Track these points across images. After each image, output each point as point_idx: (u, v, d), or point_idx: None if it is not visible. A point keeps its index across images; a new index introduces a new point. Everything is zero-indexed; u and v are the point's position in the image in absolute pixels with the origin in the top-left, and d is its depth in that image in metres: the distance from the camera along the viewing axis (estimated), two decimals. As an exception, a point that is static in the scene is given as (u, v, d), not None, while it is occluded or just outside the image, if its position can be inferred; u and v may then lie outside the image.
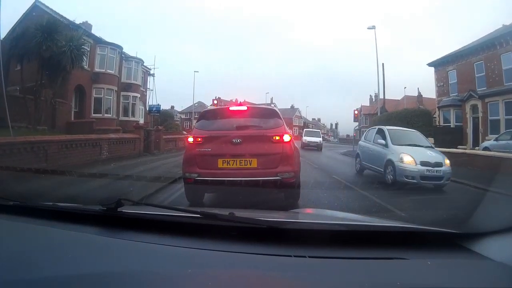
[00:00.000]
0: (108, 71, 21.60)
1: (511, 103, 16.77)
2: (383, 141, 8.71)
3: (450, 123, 21.26)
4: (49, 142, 8.93)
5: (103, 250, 1.24)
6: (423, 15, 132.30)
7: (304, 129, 32.00)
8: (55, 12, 18.60)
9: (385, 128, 9.59)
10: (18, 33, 14.67)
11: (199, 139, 4.81)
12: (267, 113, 5.44)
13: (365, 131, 11.14)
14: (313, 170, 11.11)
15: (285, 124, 5.08)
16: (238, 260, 1.16)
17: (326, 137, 32.98)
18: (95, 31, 22.42)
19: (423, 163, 7.39)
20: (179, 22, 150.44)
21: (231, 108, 5.30)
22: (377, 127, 10.50)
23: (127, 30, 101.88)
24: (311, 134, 26.53)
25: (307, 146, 24.06)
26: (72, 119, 18.84)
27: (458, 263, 1.19)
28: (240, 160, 4.60)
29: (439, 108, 22.67)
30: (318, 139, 24.90)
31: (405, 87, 67.30)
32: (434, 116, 23.37)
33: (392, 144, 8.40)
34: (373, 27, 24.45)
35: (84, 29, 18.63)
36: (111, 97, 21.90)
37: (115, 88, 22.32)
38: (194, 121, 23.88)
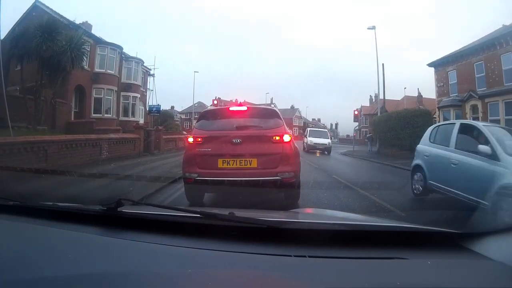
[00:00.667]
0: (108, 71, 21.60)
1: (511, 103, 16.77)
2: (487, 149, 4.79)
3: (450, 123, 21.24)
4: (49, 142, 8.93)
5: (103, 250, 1.24)
6: (423, 15, 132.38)
7: (308, 129, 25.32)
8: (55, 12, 18.61)
9: (481, 124, 5.74)
10: (18, 33, 14.65)
11: (199, 139, 4.81)
12: (267, 113, 5.44)
13: (433, 129, 6.88)
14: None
15: (285, 124, 5.09)
16: (238, 260, 1.16)
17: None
18: (95, 31, 22.48)
19: None
20: (179, 22, 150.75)
21: (231, 108, 5.30)
22: (457, 121, 6.51)
23: (127, 30, 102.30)
24: (317, 135, 21.59)
25: (312, 149, 19.90)
26: (72, 119, 18.84)
27: (458, 263, 1.19)
28: (240, 160, 4.61)
29: (439, 108, 22.66)
30: (326, 141, 20.50)
31: (405, 88, 67.60)
32: (434, 116, 23.35)
33: (508, 154, 4.58)
34: (373, 27, 24.49)
35: (84, 29, 18.62)
36: (111, 97, 21.90)
37: (115, 88, 22.32)
38: (194, 121, 23.84)
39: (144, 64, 27.57)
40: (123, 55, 23.72)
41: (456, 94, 21.15)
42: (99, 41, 21.49)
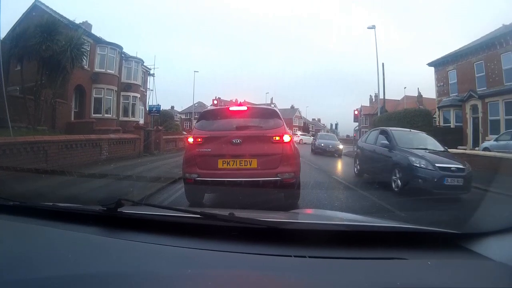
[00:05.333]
0: (108, 71, 21.59)
1: (511, 103, 16.76)
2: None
3: (450, 123, 21.26)
4: (49, 142, 8.92)
5: (103, 250, 1.24)
6: (423, 15, 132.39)
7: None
8: (55, 11, 18.61)
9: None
10: (18, 33, 14.65)
11: (199, 140, 4.80)
12: (267, 113, 5.43)
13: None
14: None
15: (285, 124, 5.08)
16: (238, 260, 1.16)
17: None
18: (95, 31, 22.48)
19: None
20: (179, 22, 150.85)
21: (231, 108, 5.28)
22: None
23: (127, 29, 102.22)
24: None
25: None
26: (72, 119, 18.84)
27: (458, 263, 1.19)
28: (240, 161, 4.60)
29: (439, 108, 22.67)
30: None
31: (405, 87, 67.68)
32: (434, 116, 23.36)
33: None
34: (373, 27, 24.46)
35: (84, 29, 18.64)
36: (111, 97, 21.89)
37: (115, 88, 22.31)
38: (194, 121, 23.82)
39: (144, 64, 27.57)
40: (123, 55, 23.71)
41: (456, 93, 21.16)
42: (99, 41, 21.48)
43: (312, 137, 28.23)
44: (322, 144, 19.87)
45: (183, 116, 63.11)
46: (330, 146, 19.62)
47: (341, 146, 20.17)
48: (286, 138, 4.72)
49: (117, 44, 22.45)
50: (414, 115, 18.62)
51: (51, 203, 1.70)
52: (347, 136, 58.58)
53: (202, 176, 4.63)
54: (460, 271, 1.12)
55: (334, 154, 19.19)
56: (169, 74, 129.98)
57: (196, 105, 52.45)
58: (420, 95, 41.55)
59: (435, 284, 1.03)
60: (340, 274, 1.08)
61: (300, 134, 37.01)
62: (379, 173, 7.84)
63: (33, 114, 13.73)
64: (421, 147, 7.54)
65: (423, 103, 37.35)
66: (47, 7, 18.93)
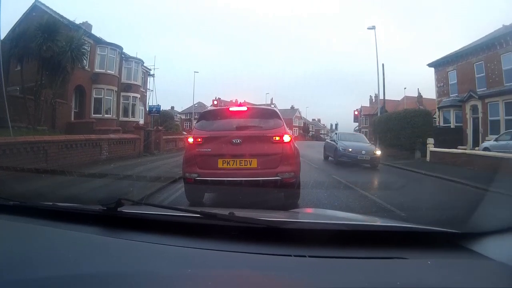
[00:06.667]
0: (108, 71, 21.60)
1: (511, 103, 16.77)
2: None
3: (450, 123, 21.27)
4: (49, 142, 8.93)
5: (103, 250, 1.24)
6: (423, 15, 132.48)
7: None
8: (55, 12, 18.62)
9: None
10: (18, 33, 14.66)
11: (199, 140, 4.81)
12: (267, 113, 5.43)
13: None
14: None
15: (285, 125, 5.09)
16: (238, 260, 1.16)
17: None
18: (95, 31, 22.49)
19: None
20: (179, 22, 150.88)
21: (231, 109, 5.29)
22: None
23: (127, 30, 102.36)
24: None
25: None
26: (72, 119, 18.84)
27: (458, 263, 1.19)
28: (240, 160, 4.60)
29: (439, 108, 22.67)
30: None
31: (405, 88, 67.91)
32: (434, 116, 23.35)
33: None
34: (373, 27, 24.45)
35: (84, 29, 18.64)
36: (111, 98, 21.90)
37: (115, 88, 22.32)
38: (194, 122, 23.83)
39: (144, 64, 27.59)
40: (123, 55, 23.72)
41: (456, 94, 21.16)
42: (99, 41, 21.49)
43: (329, 138, 18.66)
44: (350, 149, 12.74)
45: (183, 117, 63.14)
46: (363, 152, 12.64)
47: (378, 152, 13.17)
48: (286, 138, 4.72)
49: (117, 45, 22.46)
50: (414, 115, 18.55)
51: (51, 203, 1.70)
52: (347, 136, 58.30)
53: (202, 176, 4.63)
54: (460, 271, 1.12)
55: (367, 164, 12.75)
56: (169, 74, 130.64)
57: (196, 105, 52.43)
58: (420, 96, 41.63)
59: (435, 284, 1.03)
60: (340, 274, 1.08)
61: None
62: None
63: (33, 114, 13.73)
64: None
65: (423, 103, 37.40)
66: (47, 7, 18.95)
